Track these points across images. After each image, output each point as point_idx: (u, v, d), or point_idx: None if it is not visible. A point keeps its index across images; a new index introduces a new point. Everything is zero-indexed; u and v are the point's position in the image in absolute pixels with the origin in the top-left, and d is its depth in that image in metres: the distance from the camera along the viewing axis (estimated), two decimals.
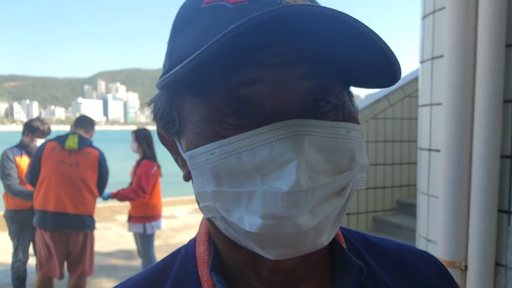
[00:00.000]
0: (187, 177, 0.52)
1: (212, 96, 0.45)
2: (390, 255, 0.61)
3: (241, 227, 0.44)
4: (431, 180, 2.27)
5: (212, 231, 0.55)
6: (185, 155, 0.48)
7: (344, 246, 0.56)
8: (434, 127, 2.23)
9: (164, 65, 0.51)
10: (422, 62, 2.36)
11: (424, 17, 2.31)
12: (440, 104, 2.09)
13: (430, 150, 2.28)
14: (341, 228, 0.59)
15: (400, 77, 0.45)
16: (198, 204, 0.49)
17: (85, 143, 3.70)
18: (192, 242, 0.59)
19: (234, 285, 0.53)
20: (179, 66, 0.42)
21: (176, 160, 0.55)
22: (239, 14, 0.43)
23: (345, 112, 0.48)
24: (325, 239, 0.45)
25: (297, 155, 0.41)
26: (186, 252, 0.58)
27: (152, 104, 0.54)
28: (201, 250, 0.55)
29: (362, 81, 0.49)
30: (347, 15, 0.39)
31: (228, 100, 0.44)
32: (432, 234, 2.27)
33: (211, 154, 0.45)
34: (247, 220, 0.43)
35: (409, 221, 4.20)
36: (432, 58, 2.22)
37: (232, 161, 0.43)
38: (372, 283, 0.55)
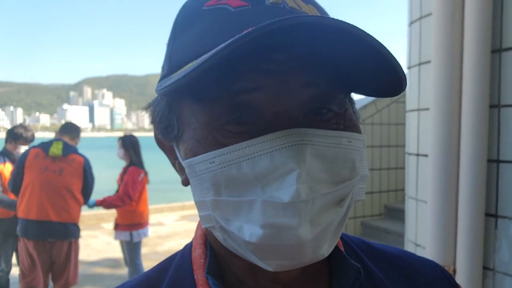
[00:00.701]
0: (186, 182, 0.50)
1: (213, 103, 0.44)
2: (390, 259, 0.60)
3: (240, 236, 0.43)
4: (419, 184, 2.28)
5: (210, 237, 0.54)
6: (184, 163, 0.47)
7: (342, 249, 0.56)
8: (421, 132, 2.25)
9: (163, 67, 0.50)
10: (409, 67, 2.38)
11: (411, 23, 2.33)
12: (427, 109, 2.10)
13: (418, 155, 2.30)
14: None
15: (405, 87, 0.44)
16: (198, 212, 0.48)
17: (70, 150, 3.64)
18: (189, 246, 0.57)
19: None
20: (180, 75, 0.41)
21: (174, 165, 0.54)
22: (241, 19, 0.43)
23: (347, 120, 0.47)
24: (325, 251, 0.44)
25: (298, 165, 0.40)
26: (182, 256, 0.57)
27: (151, 108, 0.52)
28: (197, 254, 0.54)
29: (365, 89, 0.49)
30: (352, 25, 0.38)
31: (228, 107, 0.43)
32: (420, 239, 2.27)
33: (211, 163, 0.44)
34: (247, 230, 0.43)
35: (397, 226, 4.22)
36: (419, 64, 2.24)
37: (233, 170, 0.43)
38: (371, 285, 0.54)
